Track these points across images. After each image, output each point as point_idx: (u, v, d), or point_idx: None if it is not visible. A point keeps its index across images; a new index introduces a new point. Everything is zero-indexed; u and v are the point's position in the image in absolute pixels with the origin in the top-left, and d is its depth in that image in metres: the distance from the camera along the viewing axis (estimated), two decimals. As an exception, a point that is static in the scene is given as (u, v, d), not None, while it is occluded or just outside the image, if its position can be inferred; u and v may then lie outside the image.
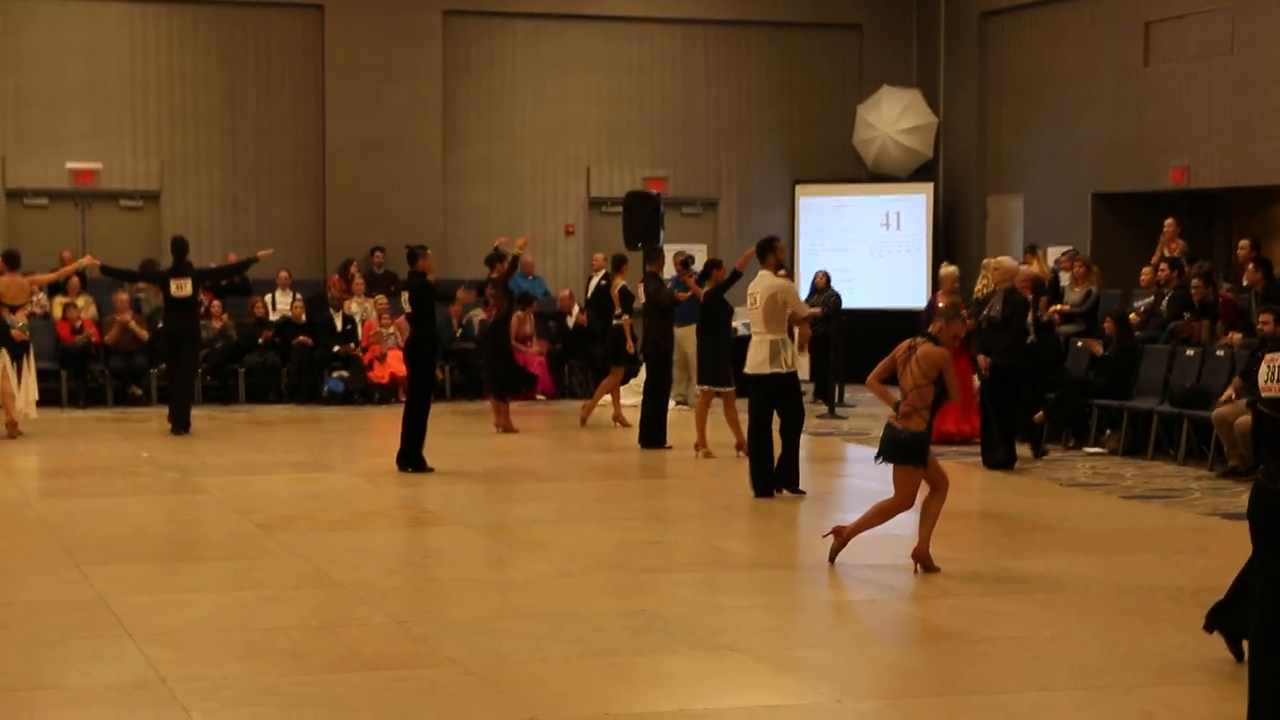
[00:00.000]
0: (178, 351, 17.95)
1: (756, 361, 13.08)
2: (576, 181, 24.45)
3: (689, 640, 8.56)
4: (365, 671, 7.92)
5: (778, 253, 13.49)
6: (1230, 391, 14.84)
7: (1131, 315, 17.33)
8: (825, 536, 10.53)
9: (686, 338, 19.68)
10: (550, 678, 7.81)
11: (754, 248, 13.74)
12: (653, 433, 16.65)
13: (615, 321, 18.71)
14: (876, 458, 10.36)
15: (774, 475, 13.25)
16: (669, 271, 20.32)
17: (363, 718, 7.19)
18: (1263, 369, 6.67)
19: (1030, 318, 15.57)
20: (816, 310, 17.19)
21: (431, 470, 14.71)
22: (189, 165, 23.04)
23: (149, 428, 18.33)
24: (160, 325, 19.15)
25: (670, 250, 19.53)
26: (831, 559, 10.37)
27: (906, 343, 10.23)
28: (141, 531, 11.98)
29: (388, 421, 17.25)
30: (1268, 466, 6.66)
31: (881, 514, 10.34)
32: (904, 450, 10.06)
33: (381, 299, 21.33)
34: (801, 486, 13.35)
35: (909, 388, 10.06)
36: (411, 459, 14.79)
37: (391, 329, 20.90)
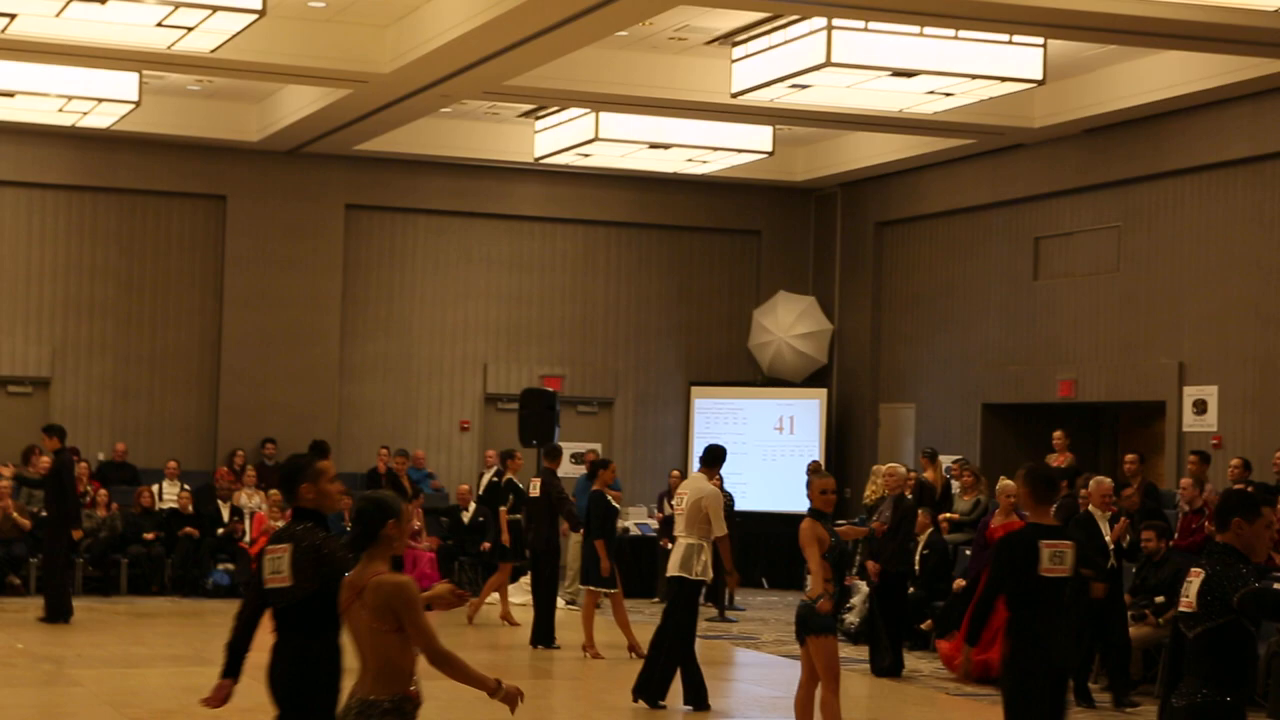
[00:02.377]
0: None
1: (672, 562, 12.99)
2: (473, 377, 24.46)
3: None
4: None
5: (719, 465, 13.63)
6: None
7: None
8: None
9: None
10: None
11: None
12: (542, 631, 16.49)
13: (513, 516, 18.54)
14: (797, 639, 10.33)
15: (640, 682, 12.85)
16: (571, 470, 20.35)
17: None
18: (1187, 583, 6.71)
19: (1110, 538, 13.86)
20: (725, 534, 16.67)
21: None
22: (81, 353, 22.83)
23: (25, 618, 17.89)
24: (42, 514, 18.84)
25: (568, 449, 19.51)
26: None
27: None
28: (11, 724, 11.64)
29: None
30: (1187, 686, 6.62)
31: (826, 708, 10.09)
32: (810, 620, 10.01)
33: (274, 492, 21.10)
34: (667, 700, 12.74)
35: (812, 567, 10.09)
36: None
37: (280, 521, 20.63)
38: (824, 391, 24.46)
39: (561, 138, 21.55)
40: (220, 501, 21.42)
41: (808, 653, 10.11)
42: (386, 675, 6.25)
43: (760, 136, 21.13)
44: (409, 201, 24.17)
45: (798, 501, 10.55)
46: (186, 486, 21.54)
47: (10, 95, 18.96)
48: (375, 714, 6.21)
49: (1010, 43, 16.33)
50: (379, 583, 6.24)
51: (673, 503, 15.61)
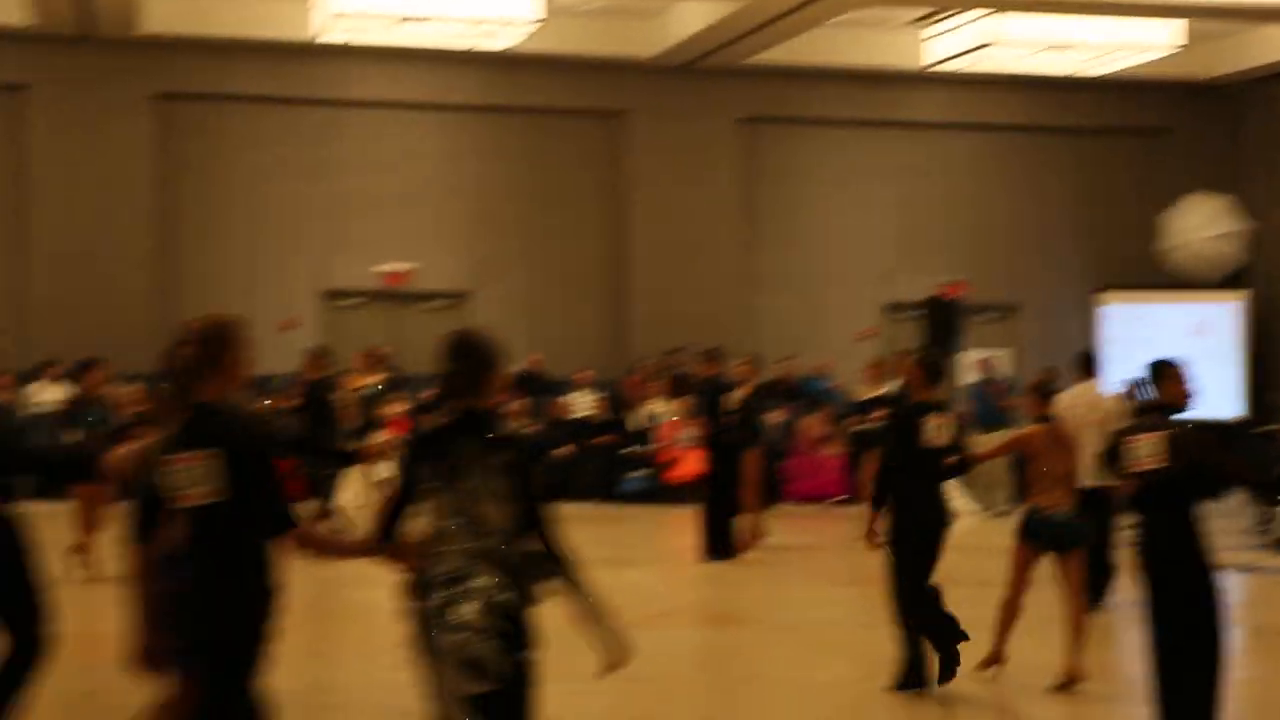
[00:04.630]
0: None
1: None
2: (874, 286, 24.43)
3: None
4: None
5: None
6: None
7: None
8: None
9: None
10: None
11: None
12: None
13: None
14: None
15: None
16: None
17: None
18: None
19: None
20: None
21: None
22: (494, 269, 23.65)
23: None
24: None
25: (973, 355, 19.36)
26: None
27: None
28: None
29: (687, 520, 17.35)
30: None
31: None
32: None
33: (686, 400, 21.47)
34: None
35: None
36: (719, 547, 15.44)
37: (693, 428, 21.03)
38: (1243, 293, 23.54)
39: (956, 43, 21.21)
40: (630, 410, 21.95)
41: None
42: None
43: (1168, 32, 20.39)
44: (804, 111, 24.20)
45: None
46: (603, 394, 22.13)
47: (424, 20, 19.63)
48: None
49: None
50: None
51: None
